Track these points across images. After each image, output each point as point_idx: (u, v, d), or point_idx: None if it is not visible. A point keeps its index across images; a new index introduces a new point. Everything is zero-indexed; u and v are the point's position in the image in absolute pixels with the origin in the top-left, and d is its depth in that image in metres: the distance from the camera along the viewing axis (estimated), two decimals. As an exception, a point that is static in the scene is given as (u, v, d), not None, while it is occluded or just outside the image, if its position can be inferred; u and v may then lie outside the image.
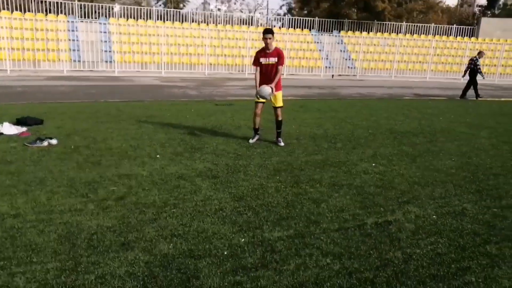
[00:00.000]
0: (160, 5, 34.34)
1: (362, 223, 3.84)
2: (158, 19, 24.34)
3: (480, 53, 15.20)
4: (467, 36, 28.66)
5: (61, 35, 19.19)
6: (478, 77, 15.14)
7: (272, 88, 6.28)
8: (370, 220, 3.90)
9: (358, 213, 4.07)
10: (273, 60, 6.39)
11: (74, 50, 19.51)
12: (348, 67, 24.38)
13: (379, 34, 27.55)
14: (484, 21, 29.91)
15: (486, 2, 39.41)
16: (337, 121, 9.14)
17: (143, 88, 14.53)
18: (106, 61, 19.74)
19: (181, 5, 34.82)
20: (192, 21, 25.49)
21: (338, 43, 25.59)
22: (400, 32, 28.29)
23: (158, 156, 5.80)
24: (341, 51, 25.23)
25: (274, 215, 3.93)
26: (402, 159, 6.17)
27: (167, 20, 24.27)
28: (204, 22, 25.91)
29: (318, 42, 25.03)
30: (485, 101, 14.84)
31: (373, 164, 5.82)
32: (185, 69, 21.13)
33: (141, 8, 25.57)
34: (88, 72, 18.89)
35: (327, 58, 24.15)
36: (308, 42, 24.85)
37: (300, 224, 3.75)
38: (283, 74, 7.19)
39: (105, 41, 20.48)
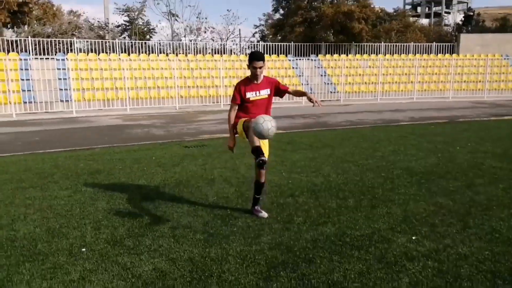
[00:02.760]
0: (124, 38, 32.50)
1: None
2: (122, 52, 22.48)
3: None
4: (447, 53, 27.80)
5: (11, 74, 16.97)
6: None
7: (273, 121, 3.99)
8: None
9: None
10: (265, 92, 4.41)
11: (25, 90, 17.30)
12: (330, 92, 22.85)
13: (358, 56, 26.36)
14: (463, 37, 29.16)
15: (463, 18, 39.31)
16: (337, 162, 7.24)
17: (100, 131, 12.42)
18: (62, 101, 17.56)
19: (148, 37, 33.06)
20: (160, 52, 23.71)
21: (317, 67, 24.17)
22: (379, 53, 27.20)
23: (83, 250, 3.72)
24: (321, 75, 23.77)
25: None
26: (448, 223, 4.26)
27: (132, 52, 22.45)
28: (173, 53, 24.17)
29: (296, 68, 23.56)
30: (488, 121, 13.30)
31: (413, 238, 3.88)
32: (153, 104, 19.12)
33: (104, 42, 23.71)
34: (43, 114, 16.66)
35: (307, 84, 22.59)
36: (285, 68, 23.34)
37: None
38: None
39: (62, 79, 18.35)
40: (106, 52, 21.96)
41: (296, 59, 24.21)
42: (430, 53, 27.51)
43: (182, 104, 19.39)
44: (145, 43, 24.69)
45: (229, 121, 4.45)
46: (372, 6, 32.29)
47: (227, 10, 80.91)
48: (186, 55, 22.99)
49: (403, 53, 27.09)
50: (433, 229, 4.09)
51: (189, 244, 3.79)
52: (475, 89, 24.43)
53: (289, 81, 22.44)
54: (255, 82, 4.38)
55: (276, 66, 23.12)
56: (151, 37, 33.94)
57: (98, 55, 20.60)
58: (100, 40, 23.26)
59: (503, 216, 4.43)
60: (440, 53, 27.64)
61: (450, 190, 5.43)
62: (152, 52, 23.38)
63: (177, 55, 23.06)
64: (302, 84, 22.33)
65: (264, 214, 4.52)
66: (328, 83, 23.34)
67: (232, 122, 4.43)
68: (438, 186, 5.61)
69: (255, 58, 4.26)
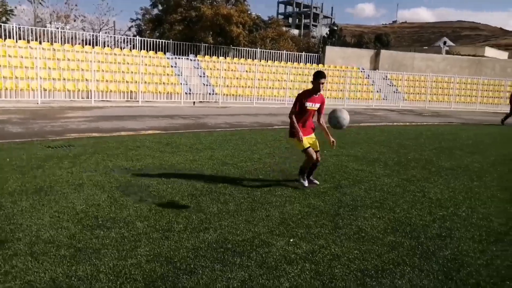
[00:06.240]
0: (-26, 18, 27.88)
1: None
2: (-31, 34, 19.22)
3: None
4: (314, 63, 30.29)
5: None
6: None
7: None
8: None
9: None
10: (317, 106, 5.81)
11: None
12: (209, 93, 22.94)
13: (235, 59, 27.02)
14: (328, 49, 32.13)
15: (328, 32, 43.27)
16: (218, 164, 7.20)
17: None
18: None
19: (4, 19, 28.84)
20: (20, 38, 20.90)
21: (196, 67, 24.05)
22: (255, 58, 28.33)
23: None
24: (199, 76, 23.70)
25: None
26: (321, 223, 4.51)
27: (-18, 35, 19.37)
28: (36, 40, 21.55)
29: (174, 67, 23.08)
30: (348, 127, 14.73)
31: (291, 240, 4.00)
32: (9, 96, 16.76)
33: None
34: None
35: (186, 84, 22.31)
36: (164, 66, 22.68)
37: None
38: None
39: None
40: None
41: (175, 58, 23.73)
42: (300, 61, 29.65)
43: (45, 98, 17.37)
44: (1, 26, 21.52)
45: (295, 125, 5.78)
46: (249, 12, 33.54)
47: (101, -1, 75.27)
48: (51, 44, 20.72)
49: (277, 60, 28.68)
50: (308, 231, 4.29)
51: (51, 262, 3.29)
52: (337, 97, 27.05)
53: (167, 79, 21.88)
54: (315, 95, 5.69)
55: (153, 63, 22.31)
56: (8, 19, 29.71)
57: None
58: None
59: (367, 216, 4.87)
60: (308, 62, 29.99)
61: (321, 191, 5.81)
62: (9, 37, 20.50)
63: (40, 43, 20.63)
64: (181, 83, 21.97)
65: (317, 182, 6.10)
66: (207, 85, 23.39)
67: (296, 125, 5.76)
68: (310, 188, 5.95)
69: (319, 75, 5.59)
